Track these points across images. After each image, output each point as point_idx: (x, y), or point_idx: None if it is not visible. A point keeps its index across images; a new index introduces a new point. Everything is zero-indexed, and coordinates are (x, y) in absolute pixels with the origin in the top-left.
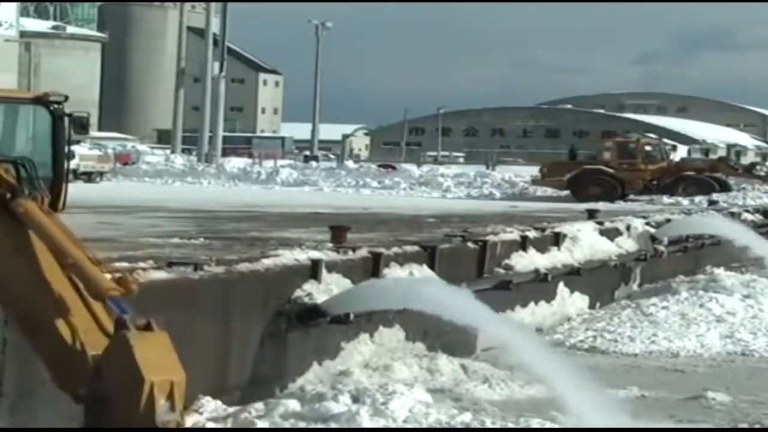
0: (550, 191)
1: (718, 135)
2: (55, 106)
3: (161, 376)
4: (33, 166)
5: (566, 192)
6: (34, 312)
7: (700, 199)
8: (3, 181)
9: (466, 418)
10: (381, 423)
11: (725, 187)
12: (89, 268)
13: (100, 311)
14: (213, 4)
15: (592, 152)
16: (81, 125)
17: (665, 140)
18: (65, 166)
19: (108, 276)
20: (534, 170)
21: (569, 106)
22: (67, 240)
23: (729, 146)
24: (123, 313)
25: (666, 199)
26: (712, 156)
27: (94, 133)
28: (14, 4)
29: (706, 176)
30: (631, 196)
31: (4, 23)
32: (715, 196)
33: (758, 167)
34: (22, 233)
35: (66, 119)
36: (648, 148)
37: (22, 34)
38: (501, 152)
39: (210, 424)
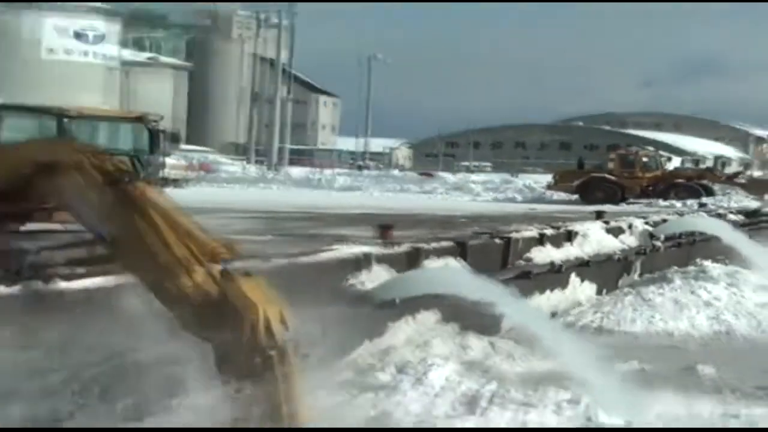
0: (563, 195)
1: (707, 148)
2: (152, 123)
3: (272, 308)
4: (142, 161)
5: (575, 196)
6: (161, 271)
7: (692, 203)
8: (120, 169)
9: (493, 387)
10: (420, 390)
11: (710, 193)
12: (202, 235)
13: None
14: (283, 38)
15: (599, 162)
16: (175, 139)
17: (661, 152)
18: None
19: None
20: (549, 177)
21: (580, 123)
22: (180, 213)
23: (716, 158)
24: (227, 266)
25: (662, 202)
26: (702, 166)
27: (182, 146)
28: (116, 41)
29: (695, 183)
30: (631, 200)
31: (107, 56)
32: (704, 200)
33: (739, 176)
34: (142, 211)
35: (161, 134)
36: (645, 159)
37: (123, 63)
38: (522, 162)
39: None
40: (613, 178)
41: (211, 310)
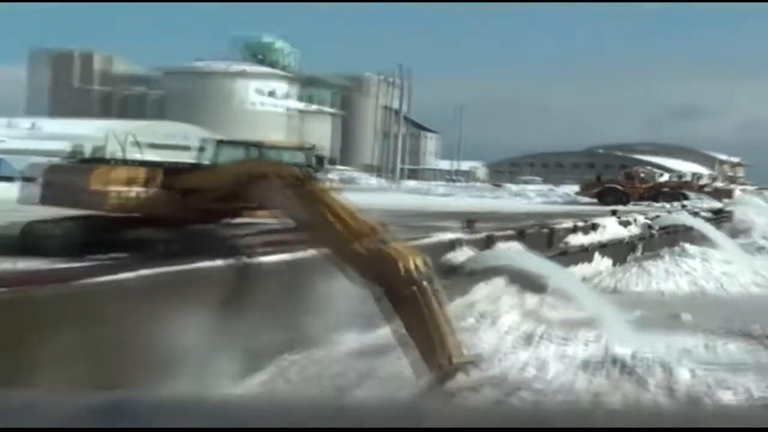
0: (586, 199)
1: (687, 168)
2: (317, 151)
3: (413, 256)
4: (314, 172)
5: (595, 200)
6: (335, 243)
7: (677, 204)
8: (303, 175)
9: (542, 329)
10: (494, 331)
11: (686, 198)
12: (362, 217)
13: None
14: (402, 94)
15: (611, 177)
16: (331, 162)
17: (655, 170)
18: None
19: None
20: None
21: (601, 150)
22: (345, 203)
23: (693, 174)
24: (381, 238)
25: (655, 204)
26: (683, 180)
27: (336, 166)
28: (294, 97)
29: (676, 191)
30: (633, 203)
31: (288, 107)
32: (684, 203)
33: (707, 186)
34: (321, 202)
35: (323, 159)
36: (642, 174)
37: (298, 112)
38: (561, 177)
39: None
40: (620, 187)
41: (375, 263)
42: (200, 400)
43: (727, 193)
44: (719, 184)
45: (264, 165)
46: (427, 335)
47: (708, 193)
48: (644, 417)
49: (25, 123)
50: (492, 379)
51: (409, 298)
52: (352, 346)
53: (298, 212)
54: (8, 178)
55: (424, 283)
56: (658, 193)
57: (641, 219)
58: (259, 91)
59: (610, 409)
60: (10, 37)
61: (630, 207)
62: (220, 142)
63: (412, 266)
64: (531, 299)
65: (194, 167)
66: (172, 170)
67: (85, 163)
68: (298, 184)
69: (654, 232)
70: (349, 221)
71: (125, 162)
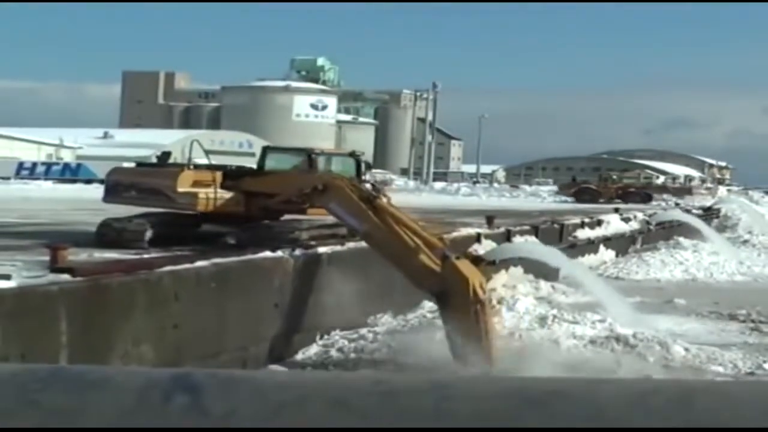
0: (586, 197)
1: (681, 171)
2: (359, 157)
3: (476, 278)
4: (374, 185)
5: (571, 198)
6: (402, 253)
7: (674, 202)
8: (368, 190)
9: (554, 311)
10: (512, 313)
11: (650, 197)
12: (426, 233)
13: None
14: (434, 104)
15: (585, 178)
16: (368, 167)
17: (650, 172)
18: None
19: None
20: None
21: (605, 155)
22: (408, 217)
23: (685, 176)
24: (444, 252)
25: (624, 203)
26: (648, 181)
27: (375, 170)
28: (335, 109)
29: (641, 191)
30: (604, 201)
31: (330, 117)
32: (678, 201)
33: (668, 187)
34: (385, 216)
35: (363, 163)
36: (614, 176)
37: (338, 122)
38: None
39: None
40: (594, 188)
41: (445, 279)
42: (253, 376)
43: (687, 191)
44: (709, 185)
45: (330, 177)
46: (478, 344)
47: (670, 192)
48: (630, 391)
49: (119, 134)
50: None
51: (471, 313)
52: (388, 326)
53: (367, 223)
54: (88, 181)
55: (486, 302)
56: (626, 193)
57: (640, 215)
58: (304, 104)
59: (595, 381)
60: (103, 58)
61: (602, 205)
62: (268, 148)
63: (478, 286)
64: (544, 286)
65: (257, 171)
66: (237, 174)
67: (162, 167)
68: (368, 196)
69: (652, 227)
70: (416, 234)
71: (196, 166)
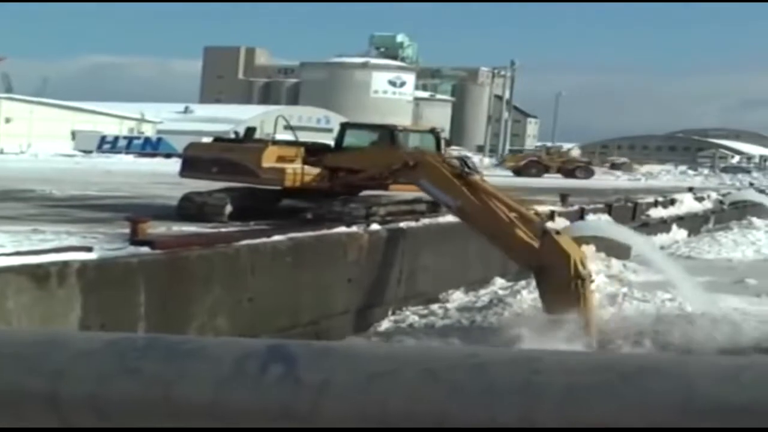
0: (668, 176)
1: (755, 150)
2: (437, 133)
3: (577, 254)
4: (466, 163)
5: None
6: (497, 228)
7: (748, 181)
8: (459, 166)
9: (625, 290)
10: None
11: (592, 172)
12: (522, 208)
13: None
14: (507, 83)
15: (533, 151)
16: (447, 143)
17: (724, 151)
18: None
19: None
20: (660, 167)
21: (681, 134)
22: (501, 193)
23: (761, 156)
24: (543, 227)
25: (568, 177)
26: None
27: (452, 147)
28: (412, 86)
29: (586, 165)
30: (548, 175)
31: (407, 94)
32: (748, 180)
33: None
34: (479, 191)
35: (443, 140)
36: (561, 150)
37: (415, 99)
38: (645, 158)
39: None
40: (540, 161)
41: (532, 254)
42: (346, 346)
43: (628, 166)
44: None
45: (420, 154)
46: (577, 318)
47: (611, 167)
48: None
49: (199, 109)
50: None
51: (572, 288)
52: (460, 302)
53: (460, 198)
54: (168, 155)
55: (586, 278)
56: (572, 168)
57: (713, 195)
58: (382, 80)
59: (684, 357)
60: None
61: (548, 177)
62: (347, 125)
63: (579, 263)
64: (616, 264)
65: (338, 147)
66: (319, 149)
67: (244, 142)
68: (460, 172)
69: (725, 206)
70: (511, 209)
71: (277, 142)
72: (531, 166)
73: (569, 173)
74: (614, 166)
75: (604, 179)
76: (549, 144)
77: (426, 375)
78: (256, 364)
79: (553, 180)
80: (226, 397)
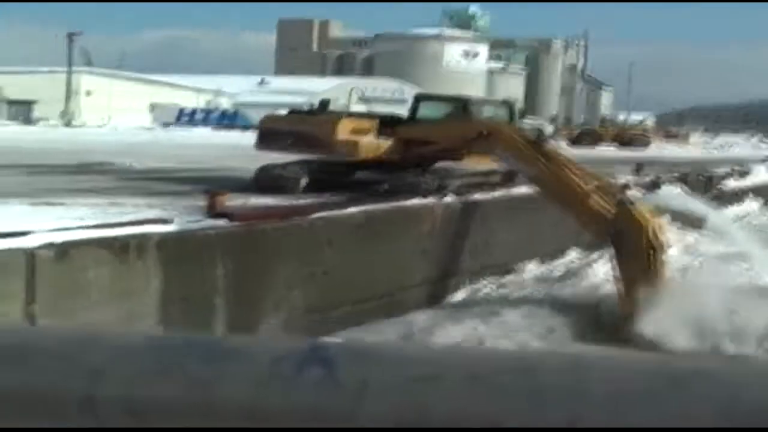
0: (738, 148)
1: None
2: (511, 104)
3: (651, 223)
4: (541, 133)
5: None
6: (572, 197)
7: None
8: (533, 136)
9: (698, 261)
10: None
11: (648, 141)
12: (597, 178)
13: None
14: (586, 52)
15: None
16: (521, 114)
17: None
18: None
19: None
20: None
21: (757, 104)
22: (574, 162)
23: None
24: (618, 197)
25: (622, 145)
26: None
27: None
28: (485, 57)
29: (640, 135)
30: (603, 145)
31: (480, 66)
32: None
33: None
34: (554, 160)
35: (517, 111)
36: (618, 122)
37: (489, 70)
38: (720, 128)
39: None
40: (597, 131)
41: (606, 223)
42: (387, 348)
43: (684, 137)
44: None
45: (499, 124)
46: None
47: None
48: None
49: (275, 81)
50: None
51: (645, 258)
52: (534, 273)
53: (535, 167)
54: (244, 127)
55: (659, 248)
56: (628, 139)
57: None
58: (455, 52)
59: (736, 359)
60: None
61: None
62: (421, 97)
63: (652, 232)
64: (690, 235)
65: (411, 119)
66: (392, 121)
67: (319, 114)
68: (535, 142)
69: None
70: (586, 179)
71: (351, 114)
72: (585, 135)
73: (625, 143)
74: (669, 136)
75: (669, 149)
76: (622, 115)
77: (471, 378)
78: (293, 365)
79: (622, 152)
80: (264, 398)
